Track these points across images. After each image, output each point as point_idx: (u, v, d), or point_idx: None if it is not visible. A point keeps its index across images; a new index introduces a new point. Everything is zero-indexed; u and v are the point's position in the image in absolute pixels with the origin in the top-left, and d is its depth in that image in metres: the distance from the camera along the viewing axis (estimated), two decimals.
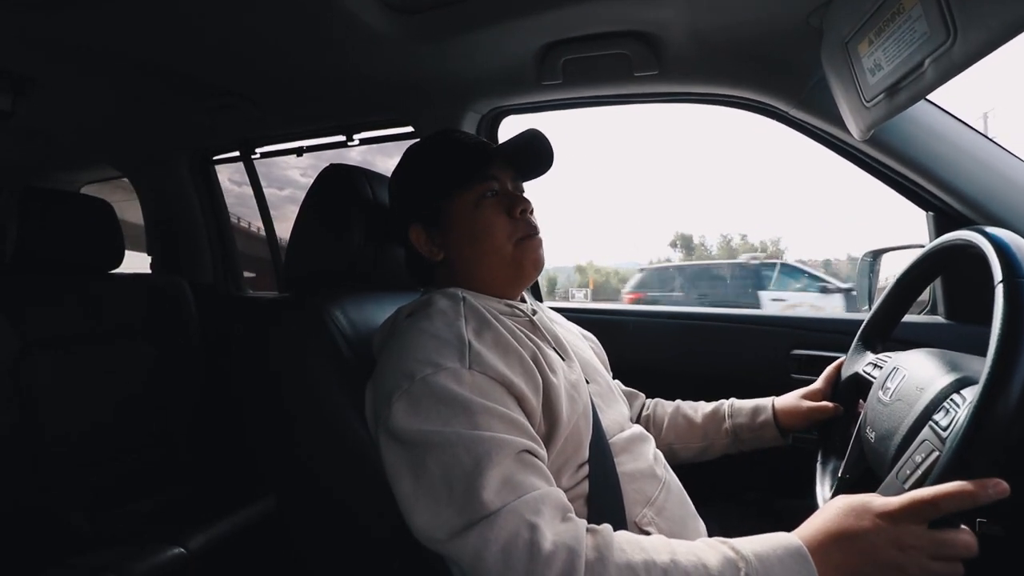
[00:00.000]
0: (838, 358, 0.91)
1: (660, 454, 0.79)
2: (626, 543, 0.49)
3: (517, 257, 0.73)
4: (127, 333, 1.37)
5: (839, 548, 0.49)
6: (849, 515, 0.50)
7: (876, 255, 1.25)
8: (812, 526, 0.52)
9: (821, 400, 0.86)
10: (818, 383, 0.89)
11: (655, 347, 1.28)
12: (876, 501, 0.50)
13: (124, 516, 1.17)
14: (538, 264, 0.75)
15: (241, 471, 1.41)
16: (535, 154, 0.77)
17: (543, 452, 0.58)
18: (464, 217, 0.72)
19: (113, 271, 1.41)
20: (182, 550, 1.03)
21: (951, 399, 0.56)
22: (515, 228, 0.73)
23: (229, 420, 1.51)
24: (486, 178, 0.73)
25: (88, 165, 2.13)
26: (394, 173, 0.81)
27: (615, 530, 0.52)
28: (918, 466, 0.53)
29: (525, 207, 0.74)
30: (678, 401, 1.00)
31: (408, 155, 0.80)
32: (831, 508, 0.52)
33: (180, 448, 1.41)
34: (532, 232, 0.74)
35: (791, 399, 0.89)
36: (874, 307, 0.84)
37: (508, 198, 0.74)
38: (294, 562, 0.75)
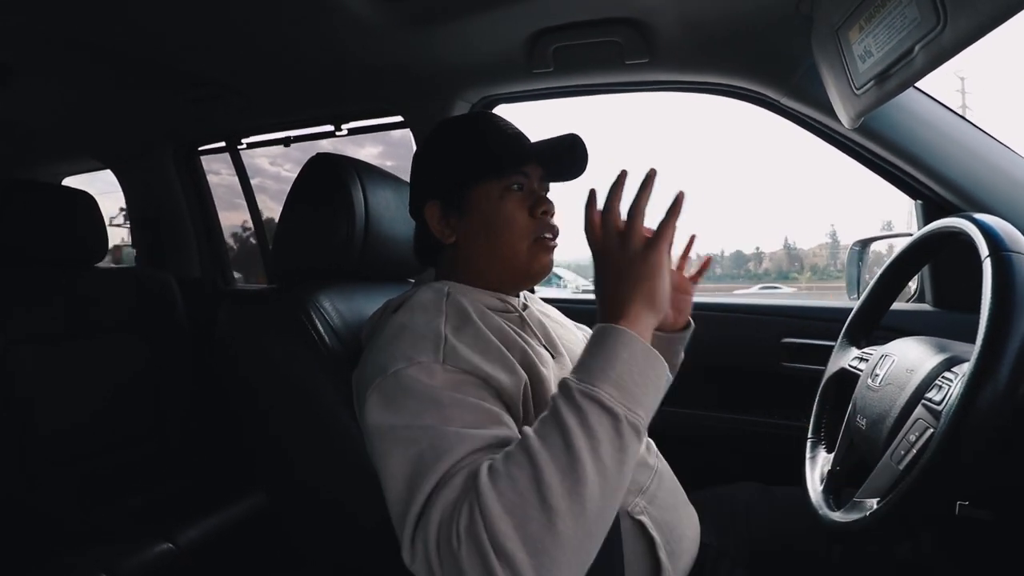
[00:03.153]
0: (827, 346, 0.91)
1: (652, 443, 0.79)
2: (496, 459, 0.47)
3: (529, 258, 0.71)
4: (114, 327, 1.35)
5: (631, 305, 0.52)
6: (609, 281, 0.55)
7: (864, 244, 1.26)
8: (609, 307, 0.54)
9: None
10: None
11: None
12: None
13: (113, 512, 1.16)
14: (546, 270, 0.73)
15: (231, 466, 1.40)
16: (570, 159, 0.75)
17: (516, 435, 0.54)
18: (486, 206, 0.70)
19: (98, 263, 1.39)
20: (171, 546, 1.03)
21: (943, 376, 0.57)
22: (534, 227, 0.71)
23: (219, 415, 1.50)
24: (517, 172, 0.71)
25: (70, 157, 2.09)
26: (422, 146, 0.79)
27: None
28: (912, 445, 0.54)
29: (548, 208, 0.72)
30: None
31: (442, 130, 0.77)
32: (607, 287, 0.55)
33: (170, 443, 1.40)
34: (550, 235, 0.72)
35: None
36: (859, 302, 0.85)
37: (533, 196, 0.72)
38: (284, 557, 0.75)
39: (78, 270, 1.34)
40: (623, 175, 0.57)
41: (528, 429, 0.48)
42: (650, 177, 0.55)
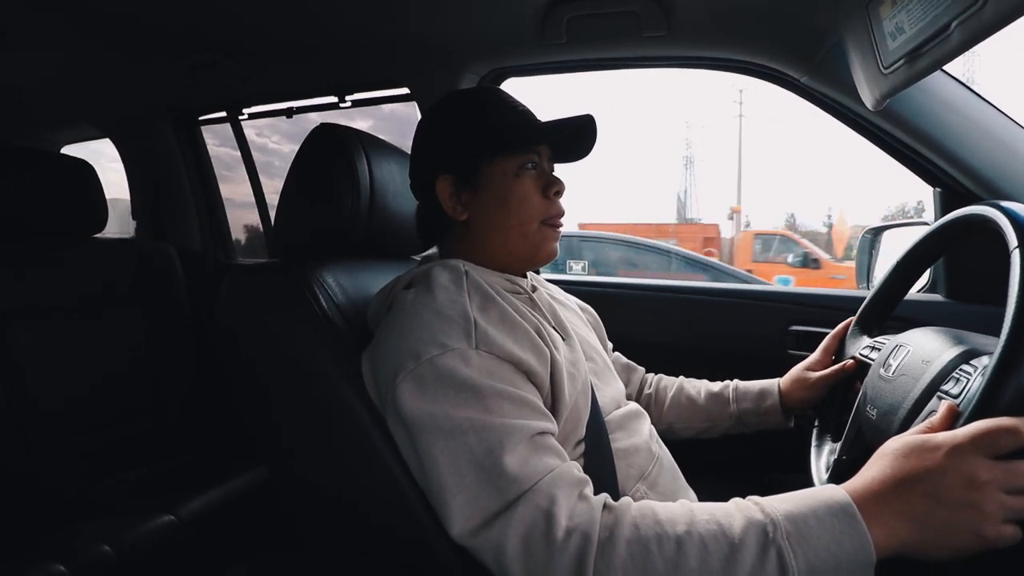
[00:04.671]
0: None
1: (654, 430, 0.79)
2: (640, 516, 0.47)
3: (538, 239, 0.71)
4: (114, 300, 1.34)
5: (899, 494, 0.44)
6: (910, 456, 0.45)
7: (877, 232, 1.24)
8: (866, 475, 0.47)
9: (822, 369, 0.85)
10: (817, 354, 0.88)
11: (654, 321, 1.27)
12: (938, 436, 0.45)
13: (115, 485, 1.17)
14: (553, 253, 0.73)
15: (233, 440, 1.41)
16: (580, 140, 0.74)
17: (554, 427, 0.57)
18: (501, 183, 0.69)
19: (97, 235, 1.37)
20: (173, 518, 1.03)
21: (961, 368, 0.55)
22: (546, 208, 0.70)
23: (220, 388, 1.50)
24: (531, 150, 0.70)
25: (68, 125, 2.05)
26: (428, 119, 0.76)
27: None
28: None
29: (560, 189, 0.71)
30: (681, 379, 0.99)
31: (451, 104, 0.75)
32: (887, 453, 0.47)
33: (172, 416, 1.40)
34: (560, 217, 0.72)
35: (796, 374, 0.88)
36: (874, 289, 0.83)
37: (546, 176, 0.71)
38: (285, 529, 0.75)
39: (77, 241, 1.32)
40: None
41: (699, 521, 0.46)
42: None
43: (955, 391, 0.53)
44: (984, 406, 0.46)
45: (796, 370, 0.89)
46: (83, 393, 1.23)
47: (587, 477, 0.53)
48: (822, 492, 0.47)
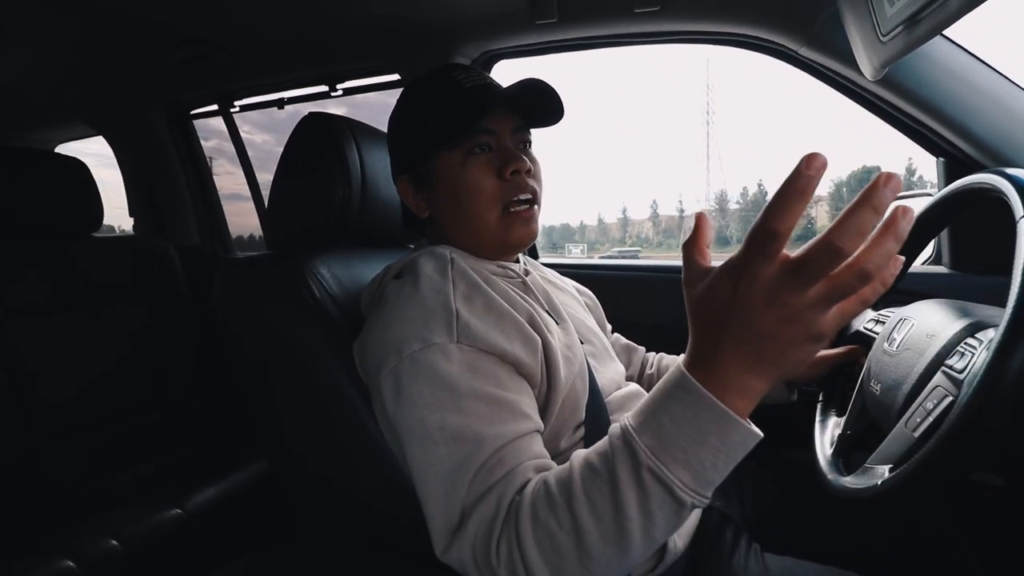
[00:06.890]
0: None
1: None
2: (535, 499, 0.46)
3: (501, 229, 0.65)
4: (115, 297, 1.34)
5: (724, 347, 0.38)
6: (714, 305, 0.38)
7: None
8: (693, 341, 0.42)
9: (827, 347, 0.84)
10: None
11: (653, 303, 1.26)
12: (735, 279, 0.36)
13: (121, 480, 1.17)
14: (526, 238, 0.67)
15: (237, 433, 1.41)
16: (537, 99, 0.67)
17: (534, 424, 0.54)
18: (449, 176, 0.65)
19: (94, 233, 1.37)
20: (180, 511, 1.04)
21: (966, 343, 0.54)
22: (503, 191, 0.64)
23: (224, 382, 1.50)
24: (477, 131, 0.64)
25: (62, 123, 2.04)
26: (392, 115, 0.73)
27: None
28: (929, 413, 0.51)
29: (518, 167, 0.63)
30: (683, 356, 0.97)
31: (402, 97, 0.71)
32: (699, 310, 0.40)
33: (177, 410, 1.40)
34: (522, 198, 0.65)
35: None
36: None
37: (501, 155, 0.65)
38: (288, 522, 0.75)
39: (75, 240, 1.32)
40: (884, 179, 0.31)
41: (577, 479, 0.44)
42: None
43: (960, 365, 0.51)
44: (990, 381, 0.45)
45: None
46: (88, 389, 1.24)
47: (533, 474, 0.49)
48: (665, 383, 0.42)
